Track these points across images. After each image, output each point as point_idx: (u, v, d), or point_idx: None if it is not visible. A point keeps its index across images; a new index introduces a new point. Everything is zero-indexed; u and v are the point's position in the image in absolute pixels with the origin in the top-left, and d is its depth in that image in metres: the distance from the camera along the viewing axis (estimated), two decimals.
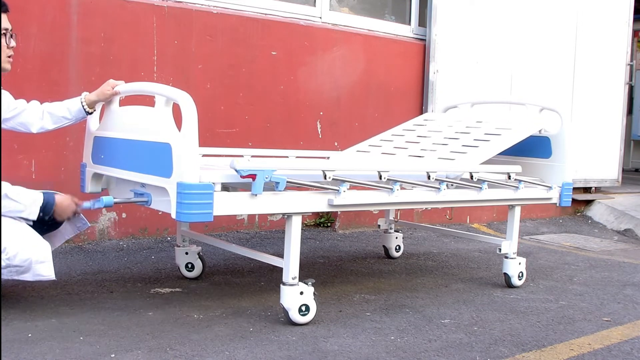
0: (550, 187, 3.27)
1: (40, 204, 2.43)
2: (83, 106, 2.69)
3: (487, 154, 3.04)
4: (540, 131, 3.33)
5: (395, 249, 3.87)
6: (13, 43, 2.51)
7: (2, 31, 2.44)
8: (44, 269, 2.39)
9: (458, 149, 3.14)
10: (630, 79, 6.53)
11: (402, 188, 2.72)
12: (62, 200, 2.53)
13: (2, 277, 2.35)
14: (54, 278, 2.43)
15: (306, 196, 2.46)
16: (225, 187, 2.43)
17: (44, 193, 2.49)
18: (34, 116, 2.65)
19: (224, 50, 4.10)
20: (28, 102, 2.68)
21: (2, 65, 2.47)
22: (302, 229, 2.71)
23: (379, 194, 2.66)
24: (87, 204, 2.51)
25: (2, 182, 2.35)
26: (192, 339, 2.29)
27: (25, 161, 3.48)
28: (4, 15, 2.45)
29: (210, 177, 2.24)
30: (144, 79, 3.78)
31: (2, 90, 2.55)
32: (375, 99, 4.85)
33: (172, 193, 2.22)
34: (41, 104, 2.70)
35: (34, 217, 2.43)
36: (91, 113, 2.73)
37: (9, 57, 2.50)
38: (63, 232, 2.74)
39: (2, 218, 2.32)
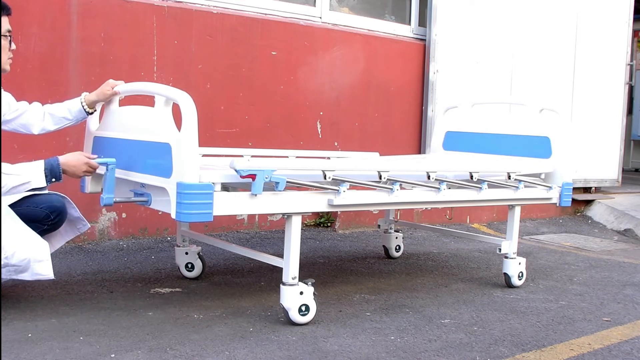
0: (550, 187, 3.27)
1: (43, 168, 2.41)
2: (83, 106, 2.69)
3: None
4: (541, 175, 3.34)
5: (395, 249, 3.87)
6: (13, 46, 2.54)
7: (5, 33, 2.46)
8: (42, 268, 2.38)
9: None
10: (630, 79, 6.52)
11: (402, 188, 2.72)
12: (69, 158, 2.48)
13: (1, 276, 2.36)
14: (53, 277, 2.42)
15: (306, 196, 2.46)
16: (225, 187, 2.43)
17: (44, 159, 2.46)
18: (35, 117, 2.66)
19: (224, 50, 4.10)
20: (30, 103, 2.68)
21: (3, 66, 2.48)
22: (302, 229, 2.71)
23: (379, 194, 2.66)
24: (101, 161, 2.41)
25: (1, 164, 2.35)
26: (192, 339, 2.29)
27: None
28: (5, 18, 2.46)
29: (210, 177, 2.24)
30: (144, 79, 3.78)
31: (4, 92, 2.56)
32: (375, 99, 4.85)
33: (172, 193, 2.22)
34: (42, 104, 2.71)
35: (43, 182, 2.41)
36: (91, 113, 2.74)
37: (9, 58, 2.52)
38: (63, 233, 2.73)
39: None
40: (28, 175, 2.39)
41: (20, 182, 2.37)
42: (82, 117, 2.73)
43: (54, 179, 2.45)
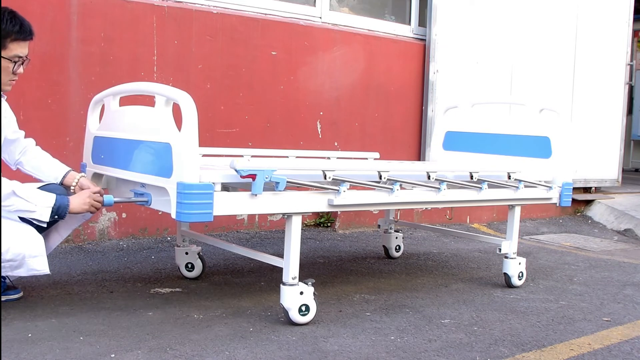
0: (550, 187, 3.27)
1: (52, 206, 2.37)
2: (62, 184, 2.64)
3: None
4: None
5: (395, 249, 3.87)
6: (21, 70, 2.47)
7: (15, 59, 2.41)
8: (37, 263, 2.38)
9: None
10: (630, 79, 6.53)
11: (402, 188, 2.72)
12: (74, 201, 2.45)
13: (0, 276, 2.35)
14: (49, 272, 2.42)
15: (306, 196, 2.46)
16: (225, 187, 2.44)
17: (57, 195, 2.42)
18: (21, 151, 2.67)
19: (224, 50, 4.10)
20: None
21: (2, 87, 2.45)
22: (302, 229, 2.71)
23: (379, 194, 2.66)
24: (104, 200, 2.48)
25: (12, 181, 2.33)
26: (192, 339, 2.29)
27: None
28: (22, 43, 2.41)
29: (210, 177, 2.24)
30: (144, 79, 3.78)
31: (11, 112, 2.57)
32: (375, 99, 4.85)
33: (172, 193, 2.22)
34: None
35: (46, 218, 2.37)
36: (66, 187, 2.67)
37: (12, 80, 2.47)
38: (68, 221, 2.64)
39: None
40: (35, 205, 2.35)
41: (26, 209, 2.35)
42: (55, 182, 2.67)
43: (56, 217, 2.42)
